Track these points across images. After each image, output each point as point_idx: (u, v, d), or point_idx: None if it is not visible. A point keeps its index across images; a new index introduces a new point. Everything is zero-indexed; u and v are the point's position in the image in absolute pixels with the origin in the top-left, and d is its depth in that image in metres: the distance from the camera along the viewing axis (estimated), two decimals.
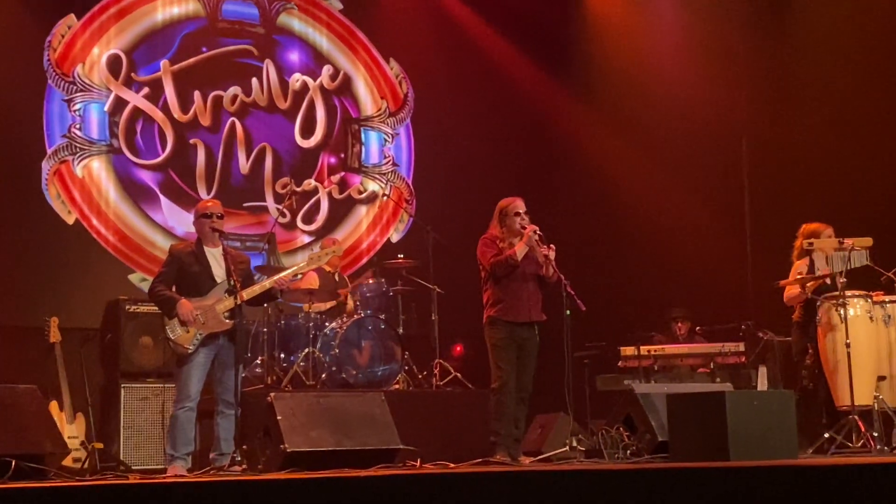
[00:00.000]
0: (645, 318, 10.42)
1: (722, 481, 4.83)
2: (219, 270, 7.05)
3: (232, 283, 6.90)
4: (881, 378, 7.58)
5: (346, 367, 8.90)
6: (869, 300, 7.66)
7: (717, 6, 11.44)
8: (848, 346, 7.40)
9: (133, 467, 8.38)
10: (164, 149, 10.50)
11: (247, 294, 6.96)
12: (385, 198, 11.48)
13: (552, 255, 7.45)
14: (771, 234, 9.83)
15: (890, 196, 9.91)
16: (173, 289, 7.09)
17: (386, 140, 11.71)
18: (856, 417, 7.34)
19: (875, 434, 7.30)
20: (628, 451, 6.90)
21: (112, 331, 9.22)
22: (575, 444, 7.45)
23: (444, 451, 7.22)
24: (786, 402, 6.38)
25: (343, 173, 11.46)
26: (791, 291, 8.07)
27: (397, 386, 9.21)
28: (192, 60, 10.74)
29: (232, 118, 10.83)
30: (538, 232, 7.42)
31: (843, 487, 4.86)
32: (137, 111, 10.42)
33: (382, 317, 9.41)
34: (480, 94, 11.83)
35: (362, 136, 11.61)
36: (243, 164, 10.85)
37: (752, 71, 11.36)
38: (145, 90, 10.48)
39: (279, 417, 6.47)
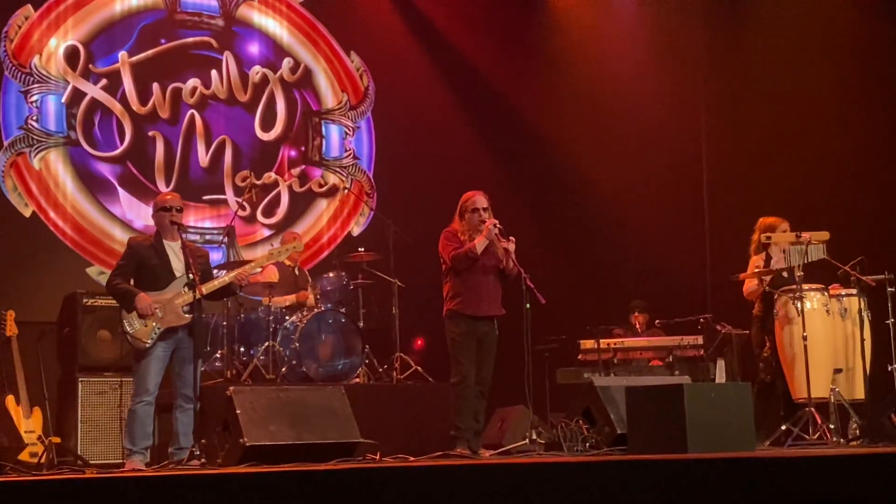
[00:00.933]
0: (605, 312, 10.46)
1: (680, 473, 4.87)
2: (178, 264, 7.01)
3: (191, 277, 6.85)
4: (837, 371, 7.68)
5: (306, 361, 8.87)
6: (825, 293, 7.75)
7: (676, 3, 11.51)
8: (805, 339, 7.49)
9: (91, 462, 8.31)
10: (122, 141, 10.41)
11: (206, 288, 6.92)
12: (346, 191, 11.45)
13: (512, 247, 7.48)
14: (729, 228, 9.92)
15: (846, 190, 10.04)
16: (131, 282, 7.04)
17: (347, 133, 11.67)
18: (812, 410, 7.43)
19: (831, 426, 7.40)
20: (587, 444, 6.94)
21: (69, 324, 9.14)
22: (535, 436, 7.48)
23: (405, 445, 7.22)
24: (743, 395, 6.45)
25: (303, 166, 11.41)
26: (750, 286, 8.15)
27: (358, 380, 9.19)
28: (150, 52, 10.65)
29: (191, 110, 10.76)
30: (498, 226, 7.44)
31: (799, 479, 4.92)
32: (95, 103, 10.33)
33: (343, 310, 9.39)
34: (442, 88, 11.82)
35: (323, 129, 11.56)
36: (203, 156, 10.78)
37: (711, 66, 11.46)
38: (103, 82, 10.39)
39: (238, 411, 6.43)
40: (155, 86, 10.59)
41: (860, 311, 7.62)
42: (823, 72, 10.43)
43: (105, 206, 10.25)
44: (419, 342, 10.83)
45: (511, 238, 7.52)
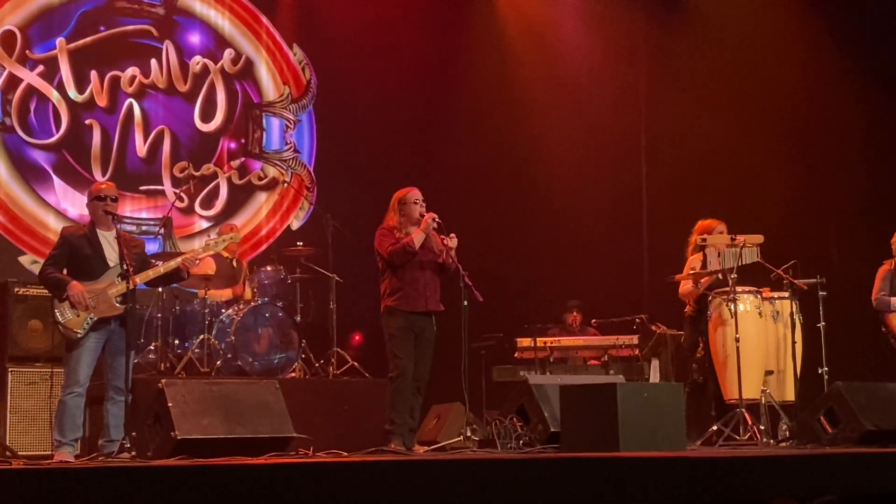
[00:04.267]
0: (541, 311, 10.51)
1: (611, 471, 4.90)
2: (112, 254, 6.91)
3: (125, 267, 6.77)
4: (768, 373, 7.78)
5: (241, 355, 8.81)
6: (758, 296, 7.84)
7: (618, 7, 11.60)
8: (737, 340, 7.57)
9: (19, 453, 8.18)
10: (58, 129, 10.28)
11: (140, 278, 6.85)
12: (285, 185, 11.39)
13: (453, 243, 7.46)
14: (667, 229, 10.02)
15: (781, 195, 10.19)
16: (64, 272, 6.94)
17: (288, 126, 11.61)
18: (743, 411, 7.52)
19: (761, 427, 7.49)
20: (521, 441, 6.95)
21: (0, 313, 8.98)
22: (469, 433, 7.49)
23: (340, 440, 7.20)
24: (675, 395, 6.50)
25: (243, 159, 11.33)
26: (685, 287, 8.22)
27: (294, 374, 9.15)
28: (89, 39, 10.52)
29: (129, 99, 10.64)
30: (437, 220, 7.42)
31: (729, 479, 4.98)
32: (31, 89, 10.18)
33: (280, 304, 9.33)
34: (383, 83, 11.79)
35: (264, 121, 11.49)
36: (140, 146, 10.66)
37: (651, 70, 11.56)
38: (40, 68, 10.24)
39: (170, 404, 6.34)
40: (93, 73, 10.47)
41: (792, 314, 7.73)
42: (762, 78, 10.58)
43: (39, 194, 10.11)
44: (357, 337, 10.81)
45: (452, 235, 7.51)
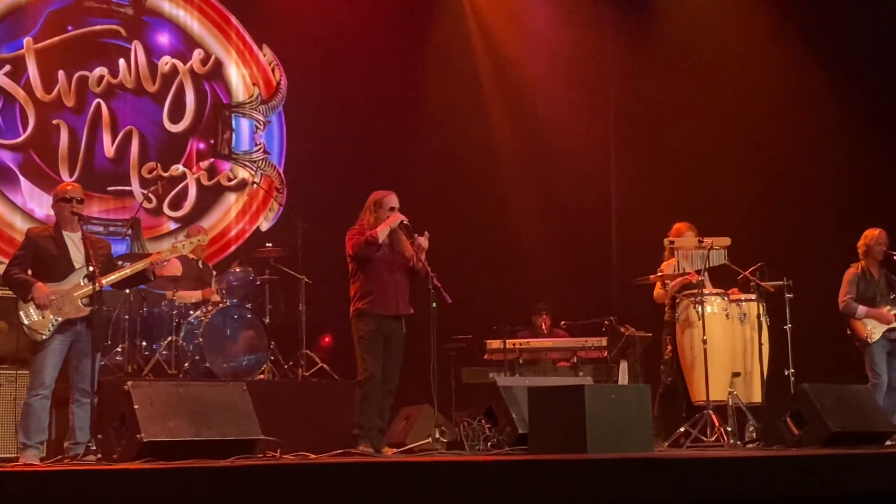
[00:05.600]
0: (511, 313, 10.52)
1: (579, 473, 4.92)
2: (77, 255, 6.86)
3: (91, 268, 6.72)
4: (735, 374, 7.84)
5: (209, 357, 8.76)
6: (726, 298, 7.89)
7: (587, 15, 11.64)
8: (705, 342, 7.62)
9: None
10: (25, 129, 10.20)
11: (106, 280, 6.80)
12: (255, 186, 11.35)
13: (425, 243, 7.44)
14: (636, 232, 10.07)
15: (749, 198, 10.26)
16: (29, 273, 6.88)
17: (257, 127, 11.56)
18: (710, 412, 7.56)
19: (728, 429, 7.53)
20: (489, 443, 6.96)
21: None
22: (438, 435, 7.49)
23: (308, 443, 7.17)
24: (642, 397, 6.54)
25: (212, 159, 11.28)
26: (657, 292, 8.27)
27: (262, 376, 9.11)
28: (56, 39, 10.44)
29: (97, 99, 10.57)
30: (405, 222, 7.40)
31: (695, 480, 5.01)
32: None
33: (249, 306, 9.29)
34: (354, 84, 11.76)
35: (233, 122, 11.43)
36: (108, 146, 10.59)
37: (621, 73, 11.61)
38: (7, 68, 10.16)
39: (136, 406, 6.30)
40: (60, 73, 10.39)
41: (759, 316, 7.79)
42: (730, 83, 10.66)
43: (6, 194, 10.03)
44: (327, 339, 10.77)
45: (426, 233, 7.49)
